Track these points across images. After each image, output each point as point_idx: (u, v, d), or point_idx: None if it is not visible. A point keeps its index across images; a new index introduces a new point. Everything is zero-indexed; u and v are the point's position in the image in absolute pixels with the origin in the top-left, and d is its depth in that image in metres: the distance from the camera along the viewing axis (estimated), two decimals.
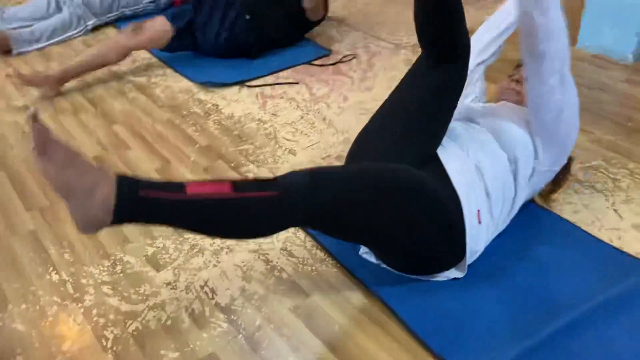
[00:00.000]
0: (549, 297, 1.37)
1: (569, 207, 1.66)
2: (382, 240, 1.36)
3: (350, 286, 1.46)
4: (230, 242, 1.60)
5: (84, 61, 2.48)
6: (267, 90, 2.39)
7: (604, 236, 1.56)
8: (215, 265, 1.54)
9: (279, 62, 2.57)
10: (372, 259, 1.50)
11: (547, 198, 1.68)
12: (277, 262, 1.54)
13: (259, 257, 1.56)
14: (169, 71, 2.57)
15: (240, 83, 2.43)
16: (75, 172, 1.13)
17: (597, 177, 1.78)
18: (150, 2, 3.11)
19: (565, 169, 1.66)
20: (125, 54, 2.53)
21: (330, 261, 1.53)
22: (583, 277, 1.42)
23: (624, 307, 1.34)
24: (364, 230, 1.33)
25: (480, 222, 1.42)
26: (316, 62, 2.57)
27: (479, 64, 1.81)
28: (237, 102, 2.32)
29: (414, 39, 2.89)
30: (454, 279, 1.43)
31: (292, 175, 1.27)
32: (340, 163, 1.80)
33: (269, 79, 2.46)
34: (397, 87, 1.56)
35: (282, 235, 1.62)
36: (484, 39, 1.81)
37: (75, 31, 2.97)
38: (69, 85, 2.46)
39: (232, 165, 1.93)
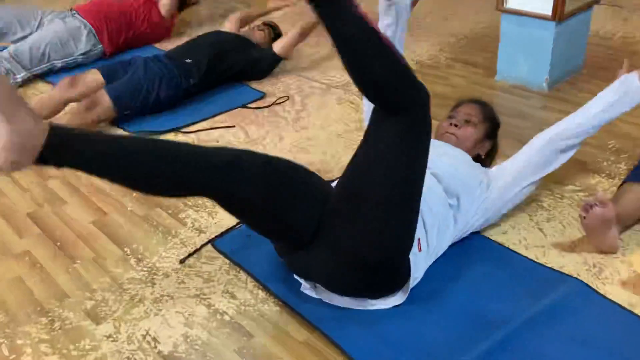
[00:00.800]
0: (482, 315, 1.43)
1: (497, 228, 1.75)
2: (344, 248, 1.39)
3: (292, 323, 1.47)
4: (170, 289, 1.60)
5: None
6: (203, 135, 2.41)
7: (531, 254, 1.65)
8: (156, 314, 1.52)
9: (214, 107, 2.61)
10: (313, 294, 1.53)
11: None
12: (219, 306, 1.54)
13: (200, 302, 1.56)
14: (102, 123, 2.56)
15: (175, 130, 2.45)
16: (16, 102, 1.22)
17: (524, 202, 1.88)
18: (81, 54, 3.11)
19: None
20: (60, 108, 2.51)
21: (272, 300, 1.55)
22: (513, 293, 1.49)
23: (553, 319, 1.41)
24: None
25: (420, 250, 1.49)
26: (251, 105, 2.63)
27: None
28: None
29: (345, 77, 2.99)
30: (394, 306, 1.48)
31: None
32: None
33: (204, 124, 2.50)
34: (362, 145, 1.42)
35: (224, 278, 1.63)
36: None
37: None
38: None
39: (170, 212, 1.94)
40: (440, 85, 2.74)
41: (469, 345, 1.34)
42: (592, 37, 2.88)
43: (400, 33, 1.77)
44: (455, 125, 1.82)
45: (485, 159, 1.86)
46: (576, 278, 1.53)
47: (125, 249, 1.77)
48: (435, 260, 1.60)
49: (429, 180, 1.56)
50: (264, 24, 3.11)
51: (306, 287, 1.54)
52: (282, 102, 2.65)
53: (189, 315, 1.52)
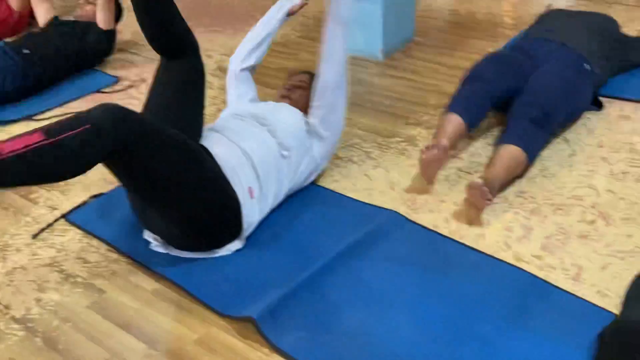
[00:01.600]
0: (312, 249, 1.64)
1: (330, 178, 1.97)
2: (169, 198, 1.52)
3: (142, 276, 1.60)
4: (23, 262, 1.66)
5: None
6: None
7: (358, 196, 1.88)
8: (8, 285, 1.59)
9: (68, 94, 2.64)
10: (161, 249, 1.66)
11: None
12: (72, 271, 1.63)
13: (53, 270, 1.63)
14: None
15: (28, 118, 2.45)
16: None
17: (353, 152, 2.12)
18: None
19: None
20: None
21: (123, 259, 1.66)
22: (339, 228, 1.72)
23: (371, 244, 1.65)
24: (157, 179, 1.48)
25: (252, 197, 1.67)
26: (106, 90, 2.69)
27: (243, 69, 2.09)
28: None
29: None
30: (236, 250, 1.65)
31: (100, 107, 1.42)
32: None
33: (58, 111, 2.51)
34: (151, 87, 1.78)
35: (76, 246, 1.71)
36: (247, 47, 2.09)
37: None
38: None
39: (22, 193, 1.97)
40: (290, 61, 2.94)
41: (298, 273, 1.54)
42: (422, 10, 3.22)
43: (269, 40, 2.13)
44: (289, 90, 2.03)
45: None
46: (391, 210, 1.79)
47: None
48: (275, 209, 1.79)
49: (263, 135, 1.76)
50: None
51: (155, 245, 1.67)
52: (137, 85, 2.73)
53: (42, 282, 1.59)
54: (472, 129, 2.03)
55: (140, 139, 1.43)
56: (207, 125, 1.82)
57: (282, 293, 1.47)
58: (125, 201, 1.72)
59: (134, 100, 2.60)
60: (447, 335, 1.36)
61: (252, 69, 2.13)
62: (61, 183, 2.00)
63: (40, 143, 1.32)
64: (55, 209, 1.89)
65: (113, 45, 2.97)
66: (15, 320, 1.47)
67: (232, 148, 1.70)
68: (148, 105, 1.75)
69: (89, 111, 1.41)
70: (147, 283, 1.57)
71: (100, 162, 1.43)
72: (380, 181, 1.96)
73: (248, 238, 1.69)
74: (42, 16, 3.01)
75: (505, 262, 1.57)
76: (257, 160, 1.70)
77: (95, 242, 1.73)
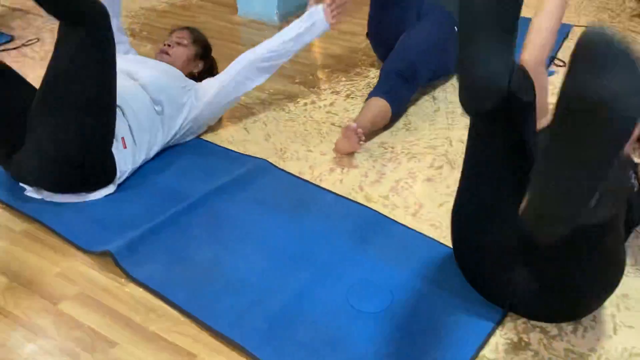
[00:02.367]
0: (180, 191, 1.75)
1: (210, 131, 2.07)
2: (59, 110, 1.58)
3: (13, 219, 1.67)
4: None
5: None
6: None
7: (234, 147, 1.99)
8: None
9: None
10: (35, 195, 1.72)
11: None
12: None
13: None
14: None
15: None
16: None
17: (235, 109, 2.22)
18: None
19: None
20: None
21: None
22: (209, 174, 1.83)
23: (239, 187, 1.77)
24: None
25: (125, 147, 1.75)
26: None
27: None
28: None
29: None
30: (107, 195, 1.74)
31: None
32: None
33: None
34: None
35: None
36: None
37: None
38: None
39: None
40: (189, 23, 2.99)
41: (163, 212, 1.65)
42: None
43: None
44: (169, 46, 2.10)
45: (200, 76, 2.16)
46: (261, 158, 1.91)
47: None
48: (152, 158, 1.89)
49: (135, 89, 1.84)
50: None
51: (29, 191, 1.74)
52: (32, 43, 2.73)
53: None
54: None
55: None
56: None
57: (143, 230, 1.58)
58: None
59: (26, 59, 2.61)
60: (292, 263, 1.50)
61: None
62: None
63: None
64: None
65: None
66: None
67: None
68: (50, 68, 1.65)
69: None
70: (16, 224, 1.64)
71: None
72: (256, 134, 2.08)
73: (120, 184, 1.78)
74: None
75: (356, 202, 1.73)
76: (130, 112, 1.79)
77: None
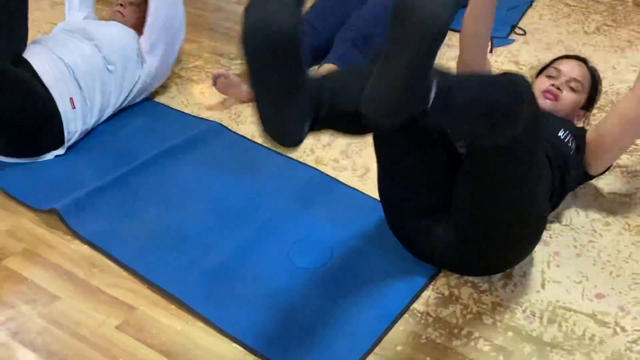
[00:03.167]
0: (128, 153, 1.76)
1: (167, 94, 2.08)
2: None
3: None
4: None
5: None
6: None
7: (188, 110, 2.00)
8: None
9: None
10: None
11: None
12: None
13: None
14: None
15: None
16: None
17: (194, 73, 2.22)
18: None
19: None
20: None
21: None
22: (161, 135, 1.84)
23: (189, 149, 1.79)
24: None
25: (74, 108, 1.76)
26: None
27: None
28: None
29: None
30: (57, 156, 1.75)
31: None
32: None
33: None
34: None
35: None
36: None
37: None
38: None
39: None
40: None
41: (112, 172, 1.67)
42: None
43: None
44: (121, 5, 2.08)
45: None
46: (214, 121, 1.93)
47: None
48: (105, 120, 1.89)
49: (89, 50, 1.84)
50: None
51: None
52: None
53: None
54: None
55: None
56: (35, 39, 1.88)
57: (91, 189, 1.60)
58: None
59: None
60: (236, 221, 1.53)
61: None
62: None
63: None
64: None
65: None
66: None
67: (54, 61, 1.77)
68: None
69: None
70: None
71: None
72: (212, 98, 2.08)
73: (73, 145, 1.79)
74: None
75: (305, 164, 1.76)
76: (80, 72, 1.79)
77: None
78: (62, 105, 1.72)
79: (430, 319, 1.29)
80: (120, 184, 1.63)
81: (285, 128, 1.01)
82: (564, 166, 1.42)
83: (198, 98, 2.08)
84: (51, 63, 1.75)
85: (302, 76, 0.98)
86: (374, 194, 1.64)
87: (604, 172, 1.55)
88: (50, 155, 1.74)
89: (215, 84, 1.99)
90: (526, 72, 2.24)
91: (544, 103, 1.56)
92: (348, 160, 1.78)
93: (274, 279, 1.38)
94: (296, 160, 1.77)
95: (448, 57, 2.33)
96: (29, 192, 1.61)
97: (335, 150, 1.82)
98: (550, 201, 1.41)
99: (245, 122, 1.95)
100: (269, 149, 1.82)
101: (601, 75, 1.72)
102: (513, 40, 2.48)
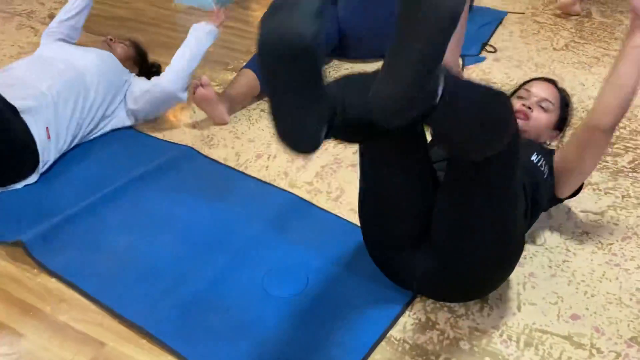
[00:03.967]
0: (99, 180, 1.71)
1: (149, 124, 2.05)
2: None
3: None
4: None
5: None
6: None
7: (159, 134, 1.97)
8: None
9: None
10: None
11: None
12: None
13: None
14: None
15: None
16: None
17: None
18: None
19: None
20: None
21: None
22: (132, 162, 1.80)
23: (159, 175, 1.76)
24: None
25: (49, 138, 1.72)
26: None
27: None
28: None
29: (29, 7, 3.03)
30: (26, 185, 1.69)
31: None
32: None
33: None
34: None
35: None
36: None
37: None
38: None
39: None
40: (123, 10, 2.95)
41: (80, 201, 1.63)
42: None
43: None
44: (111, 40, 2.07)
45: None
46: (186, 145, 1.90)
47: None
48: (77, 146, 1.86)
49: (70, 76, 1.80)
50: None
51: None
52: None
53: None
54: None
55: None
56: (9, 65, 1.85)
57: (58, 219, 1.55)
58: None
59: None
60: (208, 250, 1.50)
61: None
62: None
63: None
64: None
65: None
66: None
67: (31, 90, 1.73)
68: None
69: None
70: None
71: None
72: (184, 120, 2.06)
73: (41, 173, 1.74)
74: None
75: (279, 187, 1.73)
76: (58, 101, 1.75)
77: None
78: (39, 135, 1.69)
79: (407, 346, 1.28)
80: (88, 213, 1.59)
81: (303, 136, 0.98)
82: (536, 191, 1.42)
83: (170, 121, 2.05)
84: (28, 92, 1.71)
85: (320, 85, 0.96)
86: (350, 216, 1.63)
87: (574, 194, 1.56)
88: (19, 185, 1.69)
89: (194, 92, 1.95)
90: None
91: None
92: (322, 183, 1.76)
93: (247, 310, 1.35)
94: (269, 184, 1.75)
95: None
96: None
97: (309, 173, 1.80)
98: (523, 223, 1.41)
99: (218, 146, 1.92)
100: (242, 172, 1.81)
101: (570, 91, 1.74)
102: (484, 58, 2.50)
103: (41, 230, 1.51)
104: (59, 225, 1.53)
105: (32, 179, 1.71)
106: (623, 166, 1.84)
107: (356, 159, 1.85)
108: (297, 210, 1.65)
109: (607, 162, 1.86)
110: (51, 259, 1.45)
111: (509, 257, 1.29)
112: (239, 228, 1.58)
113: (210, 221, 1.60)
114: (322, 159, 1.86)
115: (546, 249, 1.53)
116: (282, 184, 1.76)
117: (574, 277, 1.44)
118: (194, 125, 2.03)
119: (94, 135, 1.91)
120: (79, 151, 1.85)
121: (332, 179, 1.78)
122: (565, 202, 1.64)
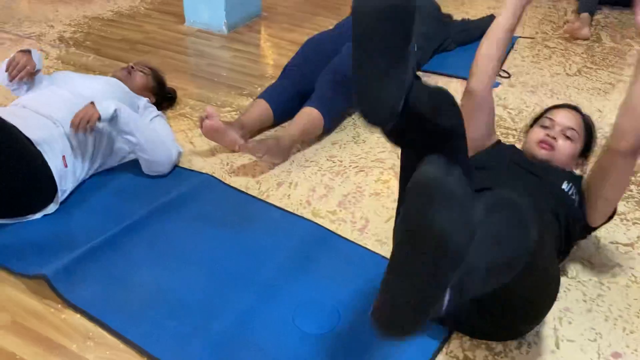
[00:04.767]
0: (120, 211, 1.68)
1: None
2: None
3: None
4: None
5: None
6: None
7: (180, 163, 1.95)
8: None
9: None
10: None
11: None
12: None
13: None
14: None
15: None
16: None
17: (182, 122, 2.16)
18: None
19: None
20: None
21: None
22: (152, 192, 1.77)
23: (179, 205, 1.72)
24: None
25: (66, 167, 1.68)
26: None
27: None
28: None
29: (38, 29, 3.01)
30: (46, 215, 1.66)
31: None
32: None
33: None
34: None
35: None
36: None
37: None
38: None
39: None
40: (135, 33, 2.93)
41: (102, 232, 1.58)
42: None
43: None
44: (132, 67, 2.04)
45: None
46: (206, 173, 1.87)
47: None
48: (94, 174, 1.82)
49: (79, 104, 1.74)
50: None
51: None
52: None
53: None
54: (280, 118, 2.14)
55: None
56: (19, 100, 1.81)
57: (81, 252, 1.51)
58: None
59: None
60: (235, 284, 1.46)
61: None
62: None
63: None
64: None
65: None
66: None
67: (43, 121, 1.70)
68: None
69: None
70: None
71: None
72: (203, 148, 2.03)
73: (60, 203, 1.71)
74: None
75: (303, 217, 1.71)
76: (70, 130, 1.71)
77: None
78: (55, 165, 1.65)
79: None
80: (111, 245, 1.55)
81: (381, 101, 0.99)
82: (569, 220, 1.41)
83: (188, 148, 2.02)
84: (41, 124, 1.68)
85: (407, 49, 0.97)
86: (376, 248, 1.61)
87: (605, 222, 1.54)
88: (39, 215, 1.65)
89: (201, 126, 1.91)
90: (515, 117, 2.26)
91: (540, 153, 1.56)
92: (346, 212, 1.74)
93: (280, 347, 1.31)
94: (292, 214, 1.72)
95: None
96: (13, 256, 1.51)
97: (332, 202, 1.78)
98: (558, 256, 1.39)
99: (238, 174, 1.90)
100: (265, 201, 1.78)
101: None
102: (499, 84, 2.50)
103: (64, 264, 1.47)
104: (82, 258, 1.49)
105: (51, 208, 1.68)
106: None
107: (379, 187, 1.85)
108: (322, 241, 1.63)
109: (631, 191, 1.85)
110: (75, 293, 1.41)
111: (547, 298, 1.26)
112: (265, 260, 1.55)
113: (236, 253, 1.57)
114: (344, 188, 1.84)
115: (579, 282, 1.51)
116: (305, 212, 1.73)
117: (610, 313, 1.42)
118: (212, 153, 2.00)
119: (114, 164, 1.88)
120: (97, 180, 1.82)
121: (355, 208, 1.76)
122: (594, 233, 1.62)
